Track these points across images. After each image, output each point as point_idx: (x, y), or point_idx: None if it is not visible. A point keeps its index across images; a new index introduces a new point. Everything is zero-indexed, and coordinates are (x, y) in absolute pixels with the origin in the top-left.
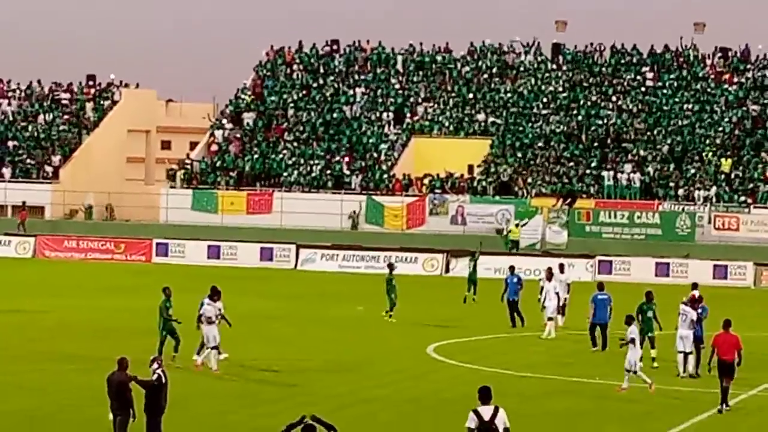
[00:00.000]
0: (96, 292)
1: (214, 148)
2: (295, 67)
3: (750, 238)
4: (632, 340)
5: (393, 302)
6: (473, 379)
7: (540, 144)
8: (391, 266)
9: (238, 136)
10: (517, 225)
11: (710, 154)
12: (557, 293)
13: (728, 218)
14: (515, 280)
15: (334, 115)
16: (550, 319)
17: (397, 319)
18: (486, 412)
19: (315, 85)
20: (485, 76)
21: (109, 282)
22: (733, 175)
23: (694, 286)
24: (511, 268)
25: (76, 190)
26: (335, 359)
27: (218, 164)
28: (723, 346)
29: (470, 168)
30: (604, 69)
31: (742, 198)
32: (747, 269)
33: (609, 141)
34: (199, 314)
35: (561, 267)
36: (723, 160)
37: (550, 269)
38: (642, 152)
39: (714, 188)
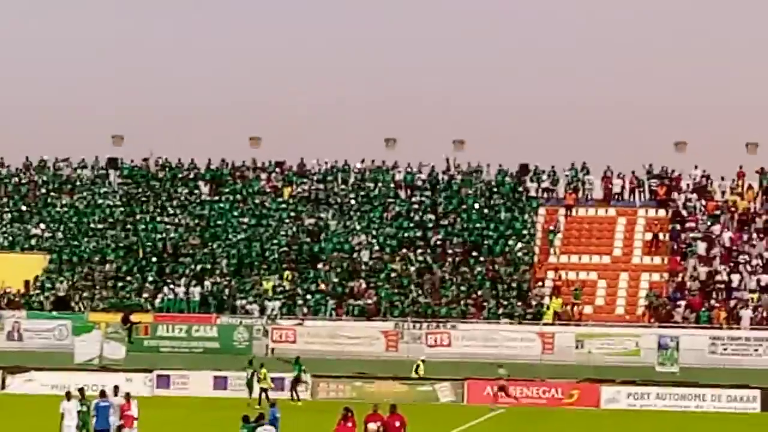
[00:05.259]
0: None
1: None
2: None
3: (306, 349)
4: None
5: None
6: None
7: (97, 258)
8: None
9: None
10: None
11: (265, 267)
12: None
13: (285, 331)
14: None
15: None
16: None
17: None
18: None
19: None
20: (42, 190)
21: None
22: (289, 287)
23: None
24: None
25: None
26: None
27: None
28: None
29: (26, 283)
30: (159, 183)
31: (301, 309)
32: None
33: (166, 255)
34: None
35: (115, 389)
36: (269, 276)
37: (69, 392)
38: (199, 266)
39: (271, 301)
